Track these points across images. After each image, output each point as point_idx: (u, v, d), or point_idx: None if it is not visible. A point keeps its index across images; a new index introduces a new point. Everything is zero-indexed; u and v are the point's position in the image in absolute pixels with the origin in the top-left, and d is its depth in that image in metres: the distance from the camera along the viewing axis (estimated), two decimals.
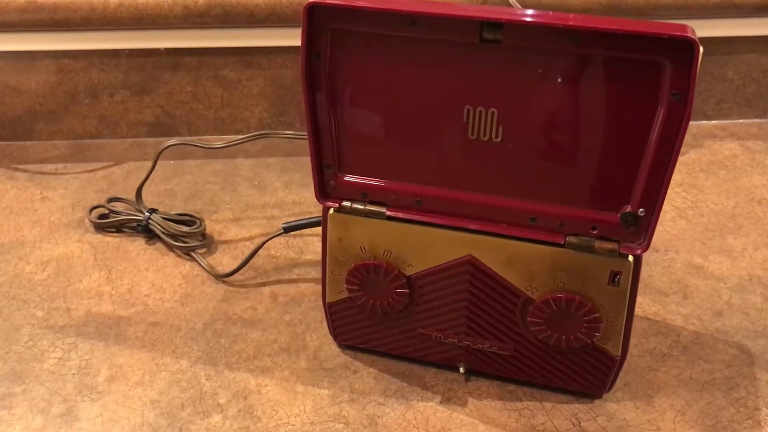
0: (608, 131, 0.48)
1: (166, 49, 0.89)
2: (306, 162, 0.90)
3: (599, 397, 0.60)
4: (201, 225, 0.77)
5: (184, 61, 0.90)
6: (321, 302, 0.68)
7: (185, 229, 0.76)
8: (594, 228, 0.52)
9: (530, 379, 0.60)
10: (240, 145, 0.82)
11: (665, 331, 0.67)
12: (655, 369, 0.63)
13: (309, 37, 0.49)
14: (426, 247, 0.56)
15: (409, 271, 0.57)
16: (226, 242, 0.78)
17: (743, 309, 0.69)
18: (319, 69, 0.51)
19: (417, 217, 0.55)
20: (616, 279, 0.53)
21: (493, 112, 0.50)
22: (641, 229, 0.51)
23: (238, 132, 0.94)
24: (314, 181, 0.55)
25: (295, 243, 0.77)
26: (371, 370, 0.63)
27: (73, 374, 0.62)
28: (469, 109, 0.50)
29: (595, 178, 0.50)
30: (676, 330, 0.67)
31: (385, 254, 0.57)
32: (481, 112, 0.50)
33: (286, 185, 0.87)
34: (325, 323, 0.66)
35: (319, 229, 0.61)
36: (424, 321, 0.60)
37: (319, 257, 0.75)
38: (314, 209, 0.83)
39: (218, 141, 0.79)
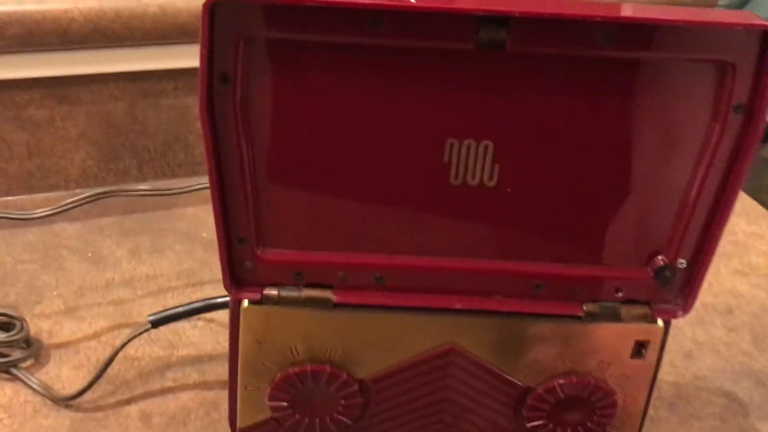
0: (643, 162, 0.36)
1: None
2: (153, 220, 0.70)
3: None
4: (23, 327, 0.54)
5: None
6: (214, 414, 0.50)
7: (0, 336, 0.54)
8: (618, 290, 0.39)
9: None
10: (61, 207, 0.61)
11: None
12: None
13: (212, 52, 0.32)
14: (388, 340, 0.40)
15: (363, 373, 0.41)
16: (60, 346, 0.56)
17: (711, 346, 0.60)
18: (227, 99, 0.33)
19: (377, 301, 0.39)
20: (642, 351, 0.41)
21: (486, 146, 0.35)
22: (681, 284, 0.39)
23: (53, 188, 0.71)
24: (222, 262, 0.37)
25: (161, 334, 0.57)
26: None
27: None
28: (452, 144, 0.35)
29: (622, 226, 0.37)
30: None
31: (329, 354, 0.40)
32: (470, 146, 0.35)
33: (131, 254, 0.66)
34: None
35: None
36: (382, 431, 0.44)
37: (199, 351, 0.57)
38: (176, 283, 0.63)
39: (29, 203, 0.56)
